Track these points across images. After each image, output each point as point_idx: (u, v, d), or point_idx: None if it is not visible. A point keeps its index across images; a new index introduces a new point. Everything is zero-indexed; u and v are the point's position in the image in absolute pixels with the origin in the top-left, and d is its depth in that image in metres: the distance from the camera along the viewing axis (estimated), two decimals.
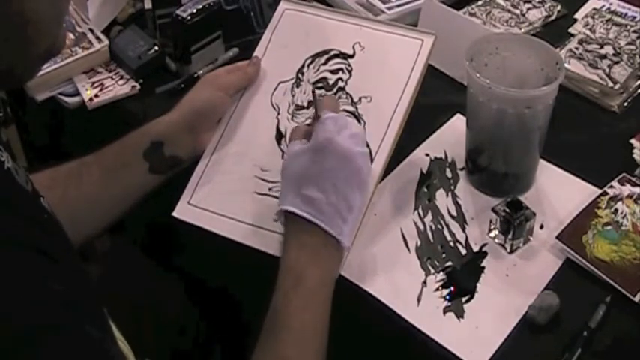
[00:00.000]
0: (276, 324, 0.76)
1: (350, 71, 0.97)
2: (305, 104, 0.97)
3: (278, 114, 0.98)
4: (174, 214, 0.94)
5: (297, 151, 0.83)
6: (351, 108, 0.95)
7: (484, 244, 0.91)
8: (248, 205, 0.92)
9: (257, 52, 1.03)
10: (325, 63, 0.99)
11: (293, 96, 0.98)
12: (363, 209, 0.84)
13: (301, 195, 0.80)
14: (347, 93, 0.96)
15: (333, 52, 0.99)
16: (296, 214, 0.79)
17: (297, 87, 0.98)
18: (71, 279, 0.57)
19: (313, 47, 1.00)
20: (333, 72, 0.98)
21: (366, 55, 0.98)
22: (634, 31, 1.23)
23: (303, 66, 1.00)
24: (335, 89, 0.97)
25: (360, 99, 0.95)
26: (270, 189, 0.93)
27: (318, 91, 0.94)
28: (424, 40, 0.95)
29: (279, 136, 0.96)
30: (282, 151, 0.95)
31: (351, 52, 0.98)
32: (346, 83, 0.97)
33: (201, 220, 0.93)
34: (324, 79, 0.98)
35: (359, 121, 0.93)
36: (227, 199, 0.93)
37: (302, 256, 0.79)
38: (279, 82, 1.00)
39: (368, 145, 0.91)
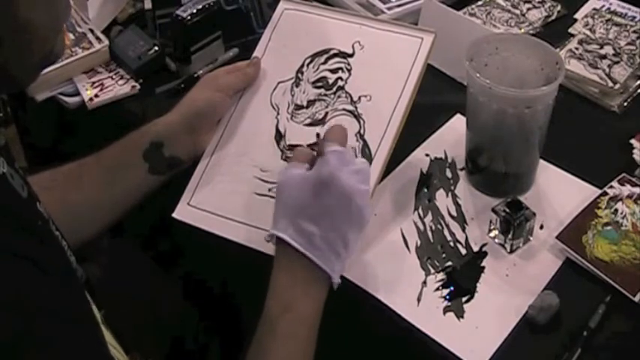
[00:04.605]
0: (262, 352, 0.75)
1: (349, 70, 0.97)
2: (305, 104, 0.97)
3: (278, 114, 0.98)
4: (174, 215, 0.94)
5: (297, 178, 0.80)
6: (350, 107, 0.95)
7: (484, 244, 0.91)
8: (248, 205, 0.92)
9: (257, 52, 1.02)
10: (325, 62, 0.99)
11: (292, 96, 0.98)
12: (358, 244, 0.82)
13: (296, 224, 0.77)
14: (346, 92, 0.96)
15: (332, 52, 0.99)
16: (289, 243, 0.77)
17: (297, 87, 0.98)
18: (60, 289, 0.56)
19: (313, 46, 1.00)
20: (333, 71, 0.98)
21: (365, 53, 0.98)
22: (634, 31, 1.23)
23: (302, 65, 1.00)
24: (334, 88, 0.97)
25: (359, 98, 0.95)
26: (269, 189, 0.92)
27: (322, 133, 0.90)
28: (424, 38, 0.94)
29: (279, 136, 0.96)
30: (282, 151, 0.95)
31: (350, 51, 0.98)
32: (346, 82, 0.97)
33: (201, 221, 0.93)
34: (324, 78, 0.98)
35: (358, 120, 0.93)
36: (227, 200, 0.93)
37: (292, 286, 0.77)
38: (279, 82, 1.00)
39: (368, 146, 0.91)
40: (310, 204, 0.78)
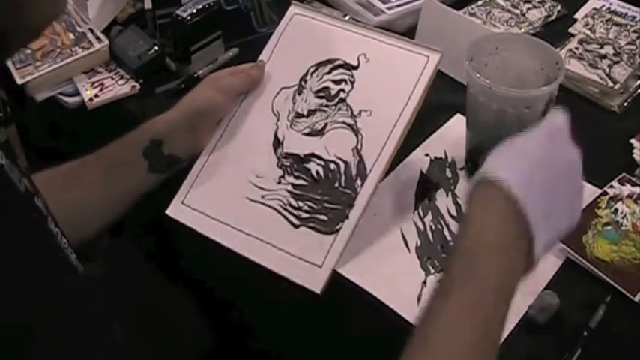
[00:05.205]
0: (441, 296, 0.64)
1: (353, 83, 0.96)
2: (305, 113, 0.96)
3: (277, 120, 0.97)
4: (168, 212, 0.94)
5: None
6: (350, 121, 0.94)
7: None
8: (239, 210, 0.92)
9: (263, 56, 1.02)
10: (329, 72, 0.98)
11: (294, 103, 0.97)
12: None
13: (530, 179, 0.66)
14: (347, 105, 0.95)
15: (337, 62, 0.98)
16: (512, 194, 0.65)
17: (299, 94, 0.97)
18: (50, 286, 0.56)
19: (318, 55, 0.99)
20: (336, 82, 0.97)
21: (370, 67, 0.96)
22: (634, 31, 1.23)
23: (306, 74, 0.98)
24: (336, 100, 0.95)
25: (360, 112, 0.94)
26: (262, 196, 0.92)
27: None
28: (430, 57, 0.93)
29: (277, 143, 0.95)
30: (278, 159, 0.94)
31: (355, 63, 0.97)
32: (348, 95, 0.95)
33: (193, 221, 0.93)
34: (327, 88, 0.97)
35: (356, 135, 0.92)
36: (220, 202, 0.93)
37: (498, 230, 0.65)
38: (282, 88, 0.99)
39: (363, 162, 0.90)
40: (551, 177, 0.68)
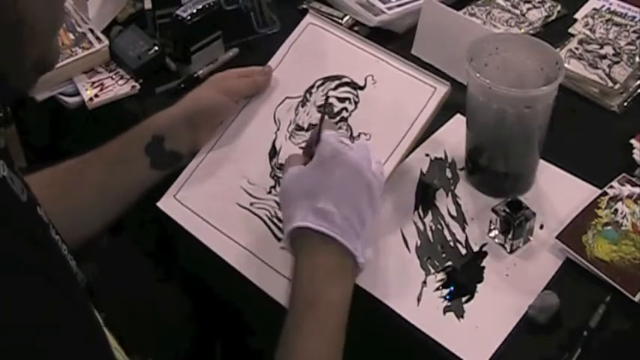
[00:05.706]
0: (289, 349, 0.74)
1: (356, 103, 0.95)
2: (305, 126, 0.96)
3: (277, 129, 0.96)
4: (159, 204, 0.95)
5: (299, 171, 0.81)
6: (347, 141, 0.93)
7: (484, 244, 0.91)
8: (228, 214, 0.92)
9: (272, 62, 1.01)
10: (335, 89, 0.97)
11: (296, 115, 0.97)
12: (372, 225, 0.81)
13: (313, 209, 0.77)
14: (348, 125, 0.94)
15: (344, 80, 0.97)
16: (310, 229, 0.77)
17: (302, 107, 0.97)
18: (63, 298, 0.56)
19: (327, 69, 0.98)
20: (340, 100, 0.96)
21: (376, 90, 0.95)
22: (634, 31, 1.23)
23: (312, 86, 0.98)
24: (337, 118, 0.95)
25: (359, 134, 0.93)
26: (251, 204, 0.92)
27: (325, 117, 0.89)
28: (437, 89, 0.92)
29: (274, 152, 0.95)
30: (272, 168, 0.94)
31: (362, 84, 0.96)
32: (350, 114, 0.95)
33: (182, 217, 0.93)
34: (330, 104, 0.96)
35: None
36: (209, 203, 0.93)
37: (316, 279, 0.77)
38: (287, 98, 0.98)
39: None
40: (320, 184, 0.79)
